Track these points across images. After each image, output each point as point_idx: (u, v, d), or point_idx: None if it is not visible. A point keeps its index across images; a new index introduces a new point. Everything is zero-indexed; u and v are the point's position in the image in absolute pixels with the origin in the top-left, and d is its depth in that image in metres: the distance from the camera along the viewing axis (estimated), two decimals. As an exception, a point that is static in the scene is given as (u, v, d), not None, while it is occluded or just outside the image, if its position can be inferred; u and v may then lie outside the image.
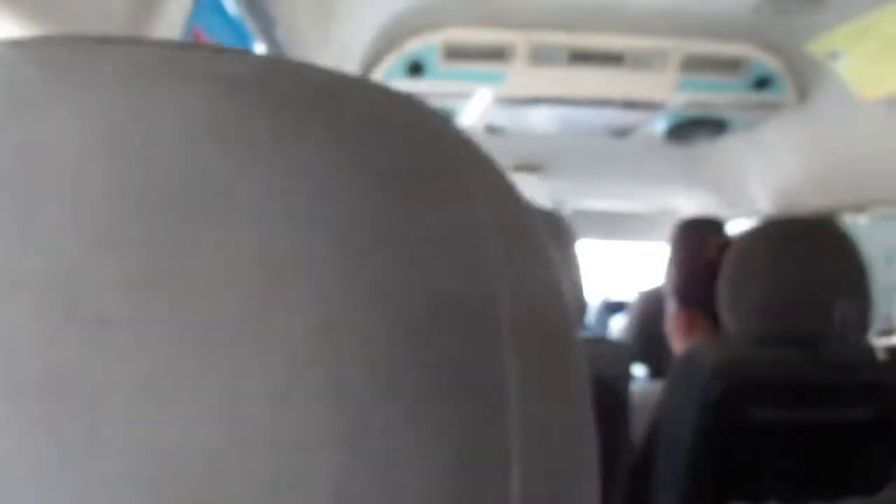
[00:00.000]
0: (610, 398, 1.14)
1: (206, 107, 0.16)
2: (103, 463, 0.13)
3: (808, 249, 1.16)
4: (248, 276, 0.14)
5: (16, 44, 0.18)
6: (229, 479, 0.13)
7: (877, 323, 1.17)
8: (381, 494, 0.14)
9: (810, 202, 2.30)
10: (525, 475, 0.16)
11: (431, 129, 0.19)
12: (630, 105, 2.10)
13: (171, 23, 1.02)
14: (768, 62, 1.91)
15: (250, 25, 1.34)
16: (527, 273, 0.18)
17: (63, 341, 0.13)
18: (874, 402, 1.11)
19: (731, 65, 1.92)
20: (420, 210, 0.16)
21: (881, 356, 0.93)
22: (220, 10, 1.16)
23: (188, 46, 0.18)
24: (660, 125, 2.29)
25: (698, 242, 2.19)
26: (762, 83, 1.96)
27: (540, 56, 1.86)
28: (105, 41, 0.18)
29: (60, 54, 0.17)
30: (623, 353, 1.18)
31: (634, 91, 2.01)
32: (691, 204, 3.02)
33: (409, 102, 0.19)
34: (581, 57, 1.88)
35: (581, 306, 1.29)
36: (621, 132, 2.43)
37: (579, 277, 1.23)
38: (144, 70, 0.17)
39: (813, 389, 1.11)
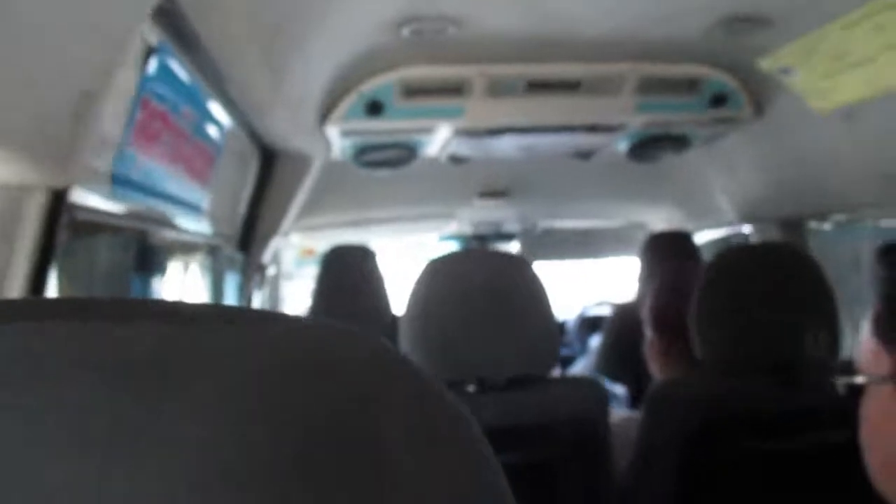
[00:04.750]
0: (591, 439, 1.14)
1: (105, 398, 0.19)
2: None
3: (774, 277, 1.16)
4: None
5: None
6: None
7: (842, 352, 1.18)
8: None
9: (774, 212, 2.32)
10: None
11: (320, 373, 0.21)
12: (591, 129, 2.12)
13: (121, 93, 1.01)
14: (723, 80, 1.94)
15: (203, 86, 1.32)
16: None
17: None
18: (850, 424, 1.12)
19: (687, 85, 1.95)
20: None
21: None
22: (171, 77, 1.15)
23: (91, 322, 0.20)
24: (622, 145, 2.30)
25: (668, 259, 2.21)
26: (719, 100, 1.98)
27: (497, 88, 1.87)
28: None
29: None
30: (602, 393, 1.18)
31: (594, 115, 2.03)
32: (660, 218, 3.05)
33: (297, 349, 0.22)
34: (538, 86, 1.89)
35: (557, 325, 1.29)
36: (585, 154, 2.44)
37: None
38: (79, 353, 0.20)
39: (789, 416, 1.11)
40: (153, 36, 1.03)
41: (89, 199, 0.99)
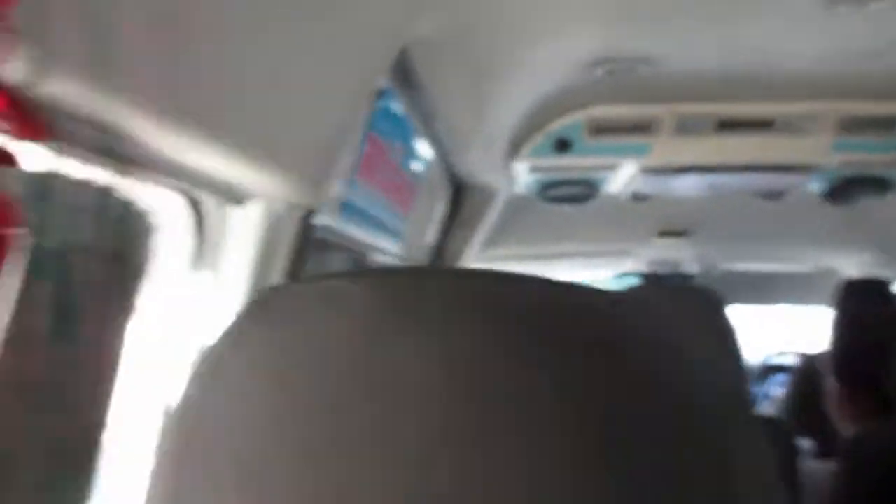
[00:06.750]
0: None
1: (502, 335, 0.23)
2: None
3: None
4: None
5: (358, 277, 0.25)
6: None
7: None
8: None
9: None
10: None
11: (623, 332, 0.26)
12: (783, 169, 2.06)
13: (355, 133, 1.14)
14: None
15: (413, 122, 1.46)
16: None
17: None
18: None
19: (889, 123, 1.86)
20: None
21: None
22: (390, 115, 1.28)
23: (483, 277, 0.25)
24: (817, 186, 2.22)
25: (861, 309, 2.08)
26: None
27: (686, 126, 1.88)
28: (426, 274, 0.26)
29: (399, 289, 0.24)
30: (789, 435, 1.16)
31: (787, 155, 1.98)
32: (852, 264, 2.87)
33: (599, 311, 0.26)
34: (729, 125, 1.87)
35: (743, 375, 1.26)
36: (774, 194, 2.37)
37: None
38: (457, 302, 0.24)
39: None
40: (382, 80, 1.16)
41: (323, 220, 1.13)
